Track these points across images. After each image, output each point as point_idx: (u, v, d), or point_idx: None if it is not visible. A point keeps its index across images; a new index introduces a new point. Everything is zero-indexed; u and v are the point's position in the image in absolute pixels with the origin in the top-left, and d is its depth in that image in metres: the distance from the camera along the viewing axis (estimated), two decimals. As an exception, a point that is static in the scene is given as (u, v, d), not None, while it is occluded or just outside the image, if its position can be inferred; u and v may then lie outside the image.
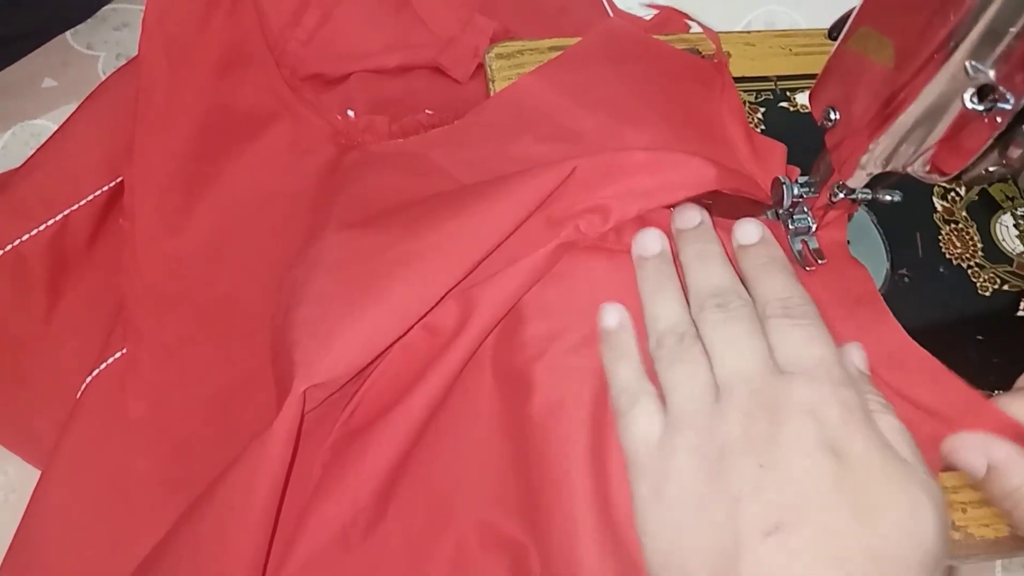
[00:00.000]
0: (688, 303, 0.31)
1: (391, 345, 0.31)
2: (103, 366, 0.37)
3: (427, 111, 0.44)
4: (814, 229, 0.34)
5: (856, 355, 0.30)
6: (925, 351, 0.32)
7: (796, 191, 0.33)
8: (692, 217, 0.33)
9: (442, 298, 0.32)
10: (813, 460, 0.26)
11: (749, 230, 0.32)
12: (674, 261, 0.32)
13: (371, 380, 0.32)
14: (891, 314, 0.33)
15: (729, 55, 0.41)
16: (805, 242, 0.35)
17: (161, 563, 0.31)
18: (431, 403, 0.32)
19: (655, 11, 0.49)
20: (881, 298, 0.33)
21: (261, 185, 0.41)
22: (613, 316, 0.32)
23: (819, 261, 0.34)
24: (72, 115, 0.41)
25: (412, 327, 0.31)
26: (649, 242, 0.32)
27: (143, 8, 0.39)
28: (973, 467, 0.29)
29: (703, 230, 0.32)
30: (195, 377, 0.38)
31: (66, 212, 0.39)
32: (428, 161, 0.38)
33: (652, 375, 0.30)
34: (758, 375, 0.28)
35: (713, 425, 0.27)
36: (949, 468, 0.30)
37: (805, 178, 0.33)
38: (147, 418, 0.37)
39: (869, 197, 0.31)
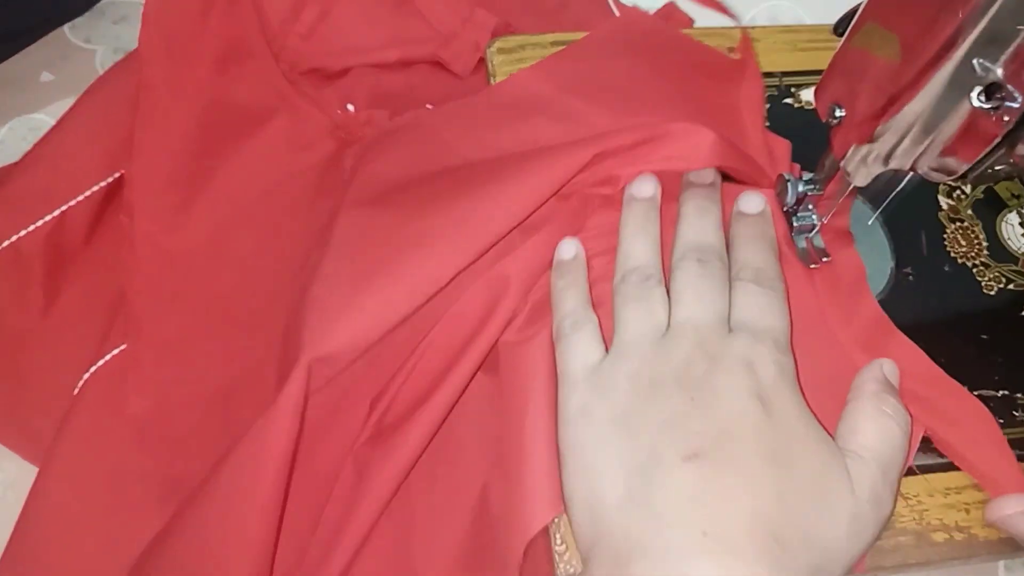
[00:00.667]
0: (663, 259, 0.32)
1: (398, 325, 0.31)
2: (101, 362, 0.37)
3: (428, 105, 0.43)
4: (818, 227, 0.34)
5: (888, 367, 0.31)
6: (906, 337, 0.32)
7: (801, 188, 0.33)
8: (706, 176, 0.34)
9: (451, 279, 0.32)
10: (742, 404, 0.27)
11: (754, 201, 0.33)
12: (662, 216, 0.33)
13: (405, 374, 0.32)
14: (875, 301, 0.33)
15: (731, 50, 0.41)
16: (809, 239, 0.34)
17: (164, 549, 0.30)
18: (462, 388, 0.32)
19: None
20: (867, 286, 0.34)
21: (260, 180, 0.41)
22: (570, 248, 0.33)
23: (823, 259, 0.34)
24: (70, 110, 0.40)
25: (420, 307, 0.31)
26: (644, 186, 0.33)
27: (142, 2, 0.39)
28: (1021, 532, 0.29)
29: (711, 191, 0.33)
30: (195, 373, 0.38)
31: (64, 207, 0.39)
32: (439, 137, 0.38)
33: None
34: (709, 327, 0.29)
35: (654, 358, 0.28)
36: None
37: (810, 175, 0.33)
38: (147, 414, 0.36)
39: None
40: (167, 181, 0.39)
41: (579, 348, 0.30)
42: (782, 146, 0.37)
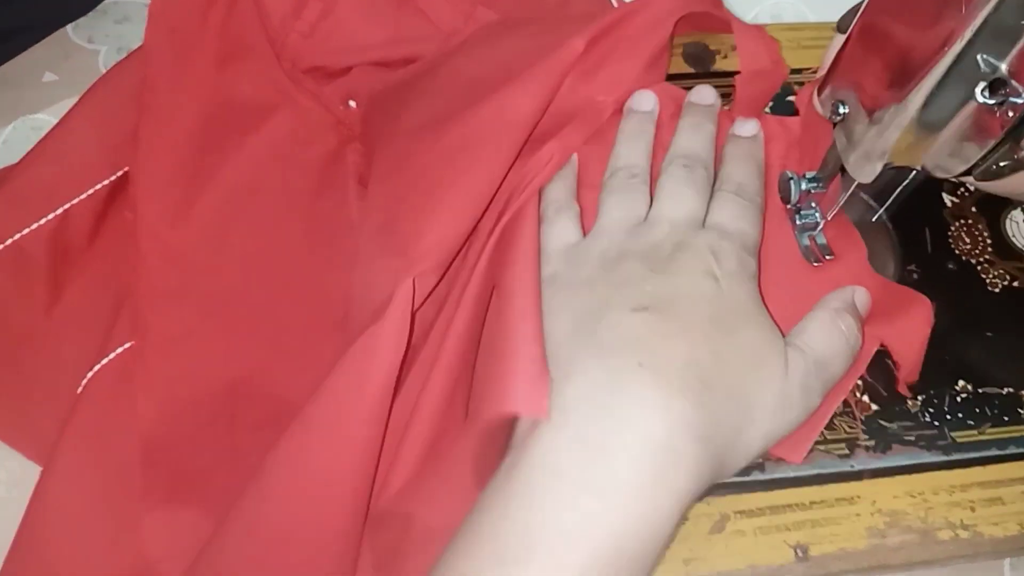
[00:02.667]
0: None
1: (473, 227, 0.33)
2: (105, 361, 0.37)
3: (430, 104, 0.43)
4: (822, 225, 0.34)
5: (860, 295, 0.32)
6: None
7: (804, 186, 0.33)
8: (707, 96, 0.36)
9: (505, 176, 0.33)
10: (697, 279, 0.29)
11: (749, 126, 0.35)
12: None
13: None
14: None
15: (733, 48, 0.40)
16: (813, 237, 0.34)
17: (264, 479, 0.31)
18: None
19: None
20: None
21: (263, 175, 0.41)
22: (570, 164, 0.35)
23: (827, 257, 0.34)
24: (72, 108, 0.40)
25: (487, 206, 0.33)
26: (643, 100, 0.36)
27: (144, 2, 0.39)
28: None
29: (710, 111, 0.35)
30: (200, 370, 0.38)
31: (67, 206, 0.38)
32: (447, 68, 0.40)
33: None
34: (684, 223, 0.31)
35: (625, 239, 0.31)
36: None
37: (813, 173, 0.33)
38: (152, 412, 0.36)
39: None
40: (171, 177, 0.39)
41: (558, 229, 0.32)
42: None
